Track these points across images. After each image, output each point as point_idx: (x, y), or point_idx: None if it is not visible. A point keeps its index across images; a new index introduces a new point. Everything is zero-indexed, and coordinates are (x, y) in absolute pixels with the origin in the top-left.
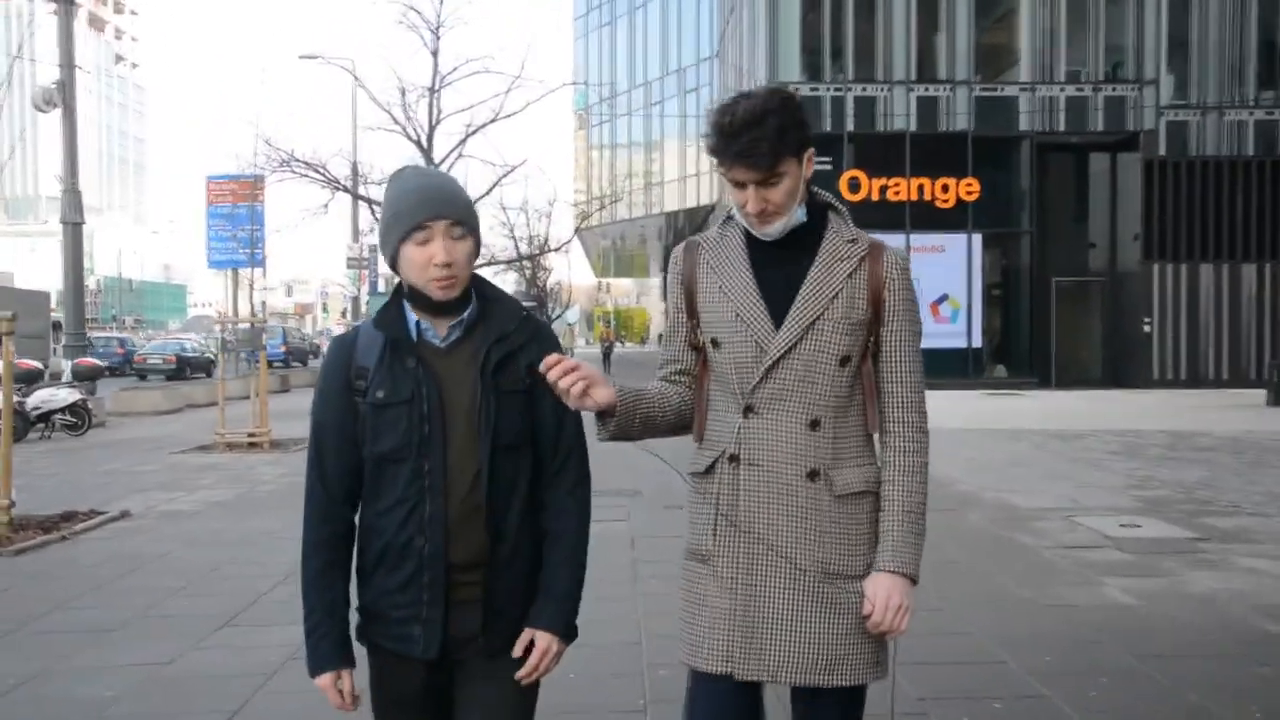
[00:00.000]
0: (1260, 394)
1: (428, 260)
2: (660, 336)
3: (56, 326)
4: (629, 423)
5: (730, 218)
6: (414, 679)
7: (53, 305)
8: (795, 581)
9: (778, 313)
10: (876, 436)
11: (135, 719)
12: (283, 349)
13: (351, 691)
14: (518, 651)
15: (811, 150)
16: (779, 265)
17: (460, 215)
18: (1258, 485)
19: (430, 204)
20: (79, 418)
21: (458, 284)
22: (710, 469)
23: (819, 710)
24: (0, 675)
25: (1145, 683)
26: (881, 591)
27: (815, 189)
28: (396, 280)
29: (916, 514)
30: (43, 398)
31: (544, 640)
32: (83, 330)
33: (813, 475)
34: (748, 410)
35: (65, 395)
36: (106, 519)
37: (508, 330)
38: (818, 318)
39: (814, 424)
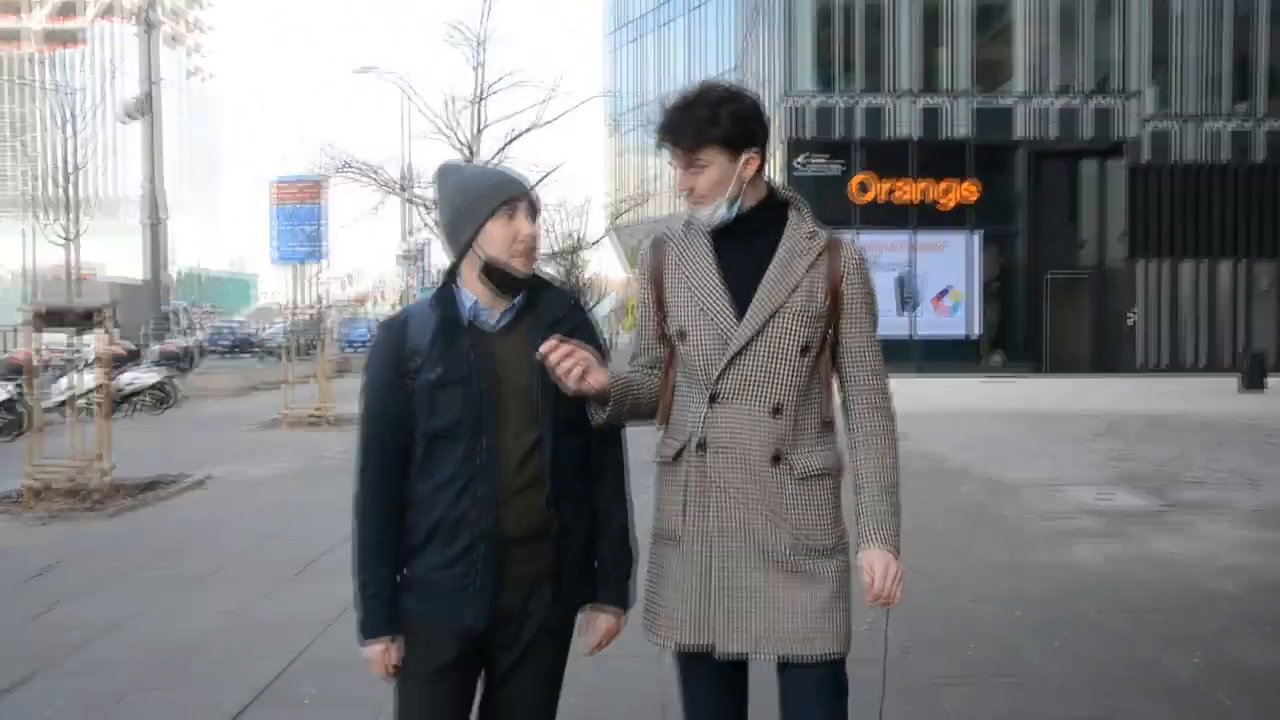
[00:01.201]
0: (1234, 380)
1: (514, 234)
2: None
3: (167, 317)
4: (620, 408)
5: None
6: (449, 649)
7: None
8: (765, 559)
9: (741, 304)
10: (840, 421)
11: (222, 654)
12: (369, 336)
13: (396, 663)
14: (585, 631)
15: (752, 155)
16: (742, 259)
17: (533, 197)
18: (1222, 461)
19: (509, 183)
20: (164, 395)
21: (534, 259)
22: (678, 455)
23: (802, 681)
24: (107, 614)
25: (1104, 634)
26: (879, 564)
27: (776, 185)
28: (448, 269)
29: (893, 491)
30: (129, 378)
31: (605, 620)
32: (163, 317)
33: (776, 459)
34: (713, 398)
35: (150, 376)
36: (190, 485)
37: (560, 316)
38: (778, 309)
39: (776, 410)
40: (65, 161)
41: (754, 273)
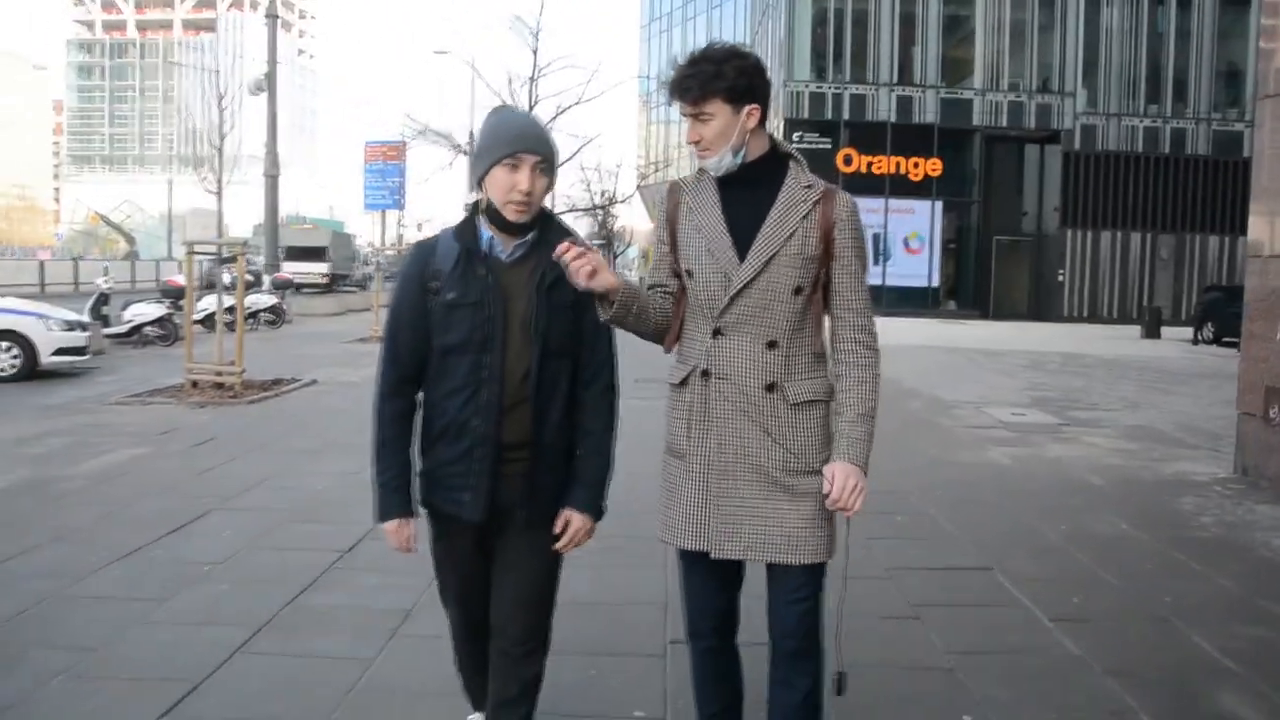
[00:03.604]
0: (1138, 329)
1: (512, 186)
2: None
3: (354, 256)
4: (626, 310)
5: None
6: (467, 538)
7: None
8: (759, 475)
9: (743, 247)
10: (829, 353)
11: (343, 503)
12: None
13: (412, 538)
14: (557, 529)
15: (754, 107)
16: (745, 206)
17: (546, 155)
18: (1115, 391)
19: (526, 139)
20: (277, 315)
21: (530, 211)
22: (684, 381)
23: (786, 584)
24: (255, 472)
25: (999, 510)
26: (840, 475)
27: (779, 140)
28: (474, 199)
29: (869, 417)
30: (251, 300)
31: (578, 520)
32: (276, 252)
33: (770, 387)
34: (716, 332)
35: (266, 299)
36: (303, 384)
37: None
38: (776, 253)
39: (771, 344)
40: (219, 128)
41: (755, 219)
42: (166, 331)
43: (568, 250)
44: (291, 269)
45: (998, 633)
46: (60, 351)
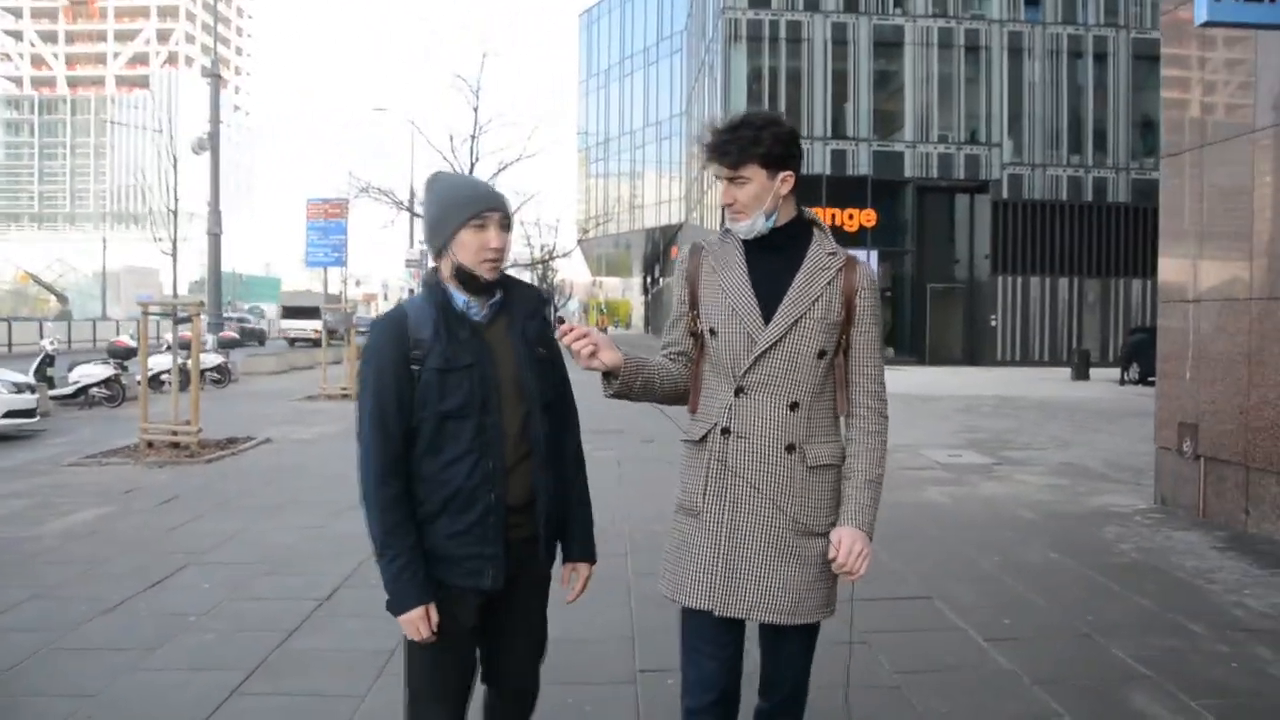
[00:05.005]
0: (1068, 371)
1: (483, 245)
2: (645, 321)
3: (317, 310)
4: (630, 385)
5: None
6: (470, 610)
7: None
8: (770, 536)
9: (767, 310)
10: (843, 418)
11: (313, 556)
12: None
13: (435, 621)
14: (565, 583)
15: (788, 174)
16: (770, 270)
17: (506, 210)
18: (1046, 431)
19: (488, 198)
20: (222, 374)
21: (500, 267)
22: (704, 438)
23: (784, 641)
24: (223, 528)
25: (937, 545)
26: (847, 540)
27: (805, 209)
28: (433, 267)
29: (876, 483)
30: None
31: (585, 569)
32: (220, 310)
33: (790, 448)
34: (738, 391)
35: (212, 359)
36: (257, 442)
37: (534, 309)
38: (801, 317)
39: (793, 406)
40: (174, 189)
41: (779, 282)
42: (114, 392)
43: (569, 332)
44: (290, 325)
45: (938, 653)
46: (9, 414)
